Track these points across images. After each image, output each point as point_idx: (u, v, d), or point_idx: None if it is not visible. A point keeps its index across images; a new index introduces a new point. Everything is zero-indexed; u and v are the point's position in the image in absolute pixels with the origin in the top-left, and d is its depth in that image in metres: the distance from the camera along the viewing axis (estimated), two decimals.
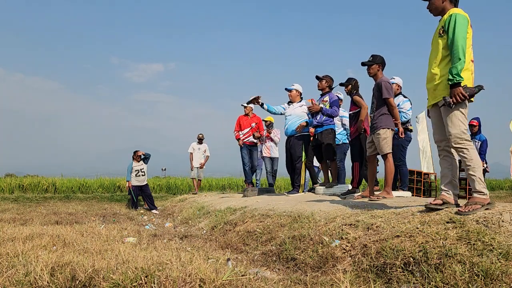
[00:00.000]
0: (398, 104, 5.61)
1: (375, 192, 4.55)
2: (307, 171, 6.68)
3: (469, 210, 2.54)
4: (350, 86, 5.24)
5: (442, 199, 2.84)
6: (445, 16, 2.79)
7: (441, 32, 2.79)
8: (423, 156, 11.60)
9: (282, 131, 6.64)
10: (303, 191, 6.32)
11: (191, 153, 10.19)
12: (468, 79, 2.70)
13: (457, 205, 2.83)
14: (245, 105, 7.48)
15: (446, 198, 2.85)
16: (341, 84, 5.34)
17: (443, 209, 2.78)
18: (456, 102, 2.63)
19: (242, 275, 2.28)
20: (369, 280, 2.27)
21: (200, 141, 10.23)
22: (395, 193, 4.77)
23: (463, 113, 2.68)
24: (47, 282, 2.23)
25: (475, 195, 2.66)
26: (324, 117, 5.71)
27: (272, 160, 8.30)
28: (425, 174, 9.13)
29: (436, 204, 2.79)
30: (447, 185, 2.89)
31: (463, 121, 2.68)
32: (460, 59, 2.62)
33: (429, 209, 2.82)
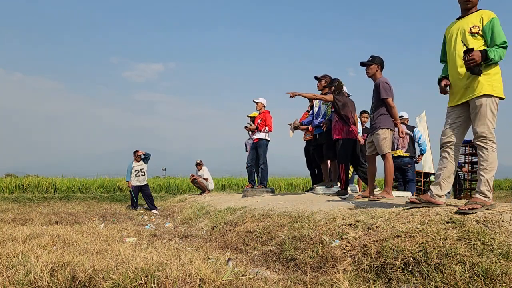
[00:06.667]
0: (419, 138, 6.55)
1: (375, 192, 4.56)
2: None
3: (468, 209, 2.54)
4: (334, 87, 5.31)
5: (419, 198, 2.97)
6: (483, 17, 2.76)
7: (475, 32, 2.77)
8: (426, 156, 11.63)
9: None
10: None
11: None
12: (499, 80, 2.72)
13: (436, 204, 2.90)
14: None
15: (426, 198, 2.93)
16: (324, 87, 5.48)
17: (421, 207, 2.91)
18: (468, 60, 2.63)
19: (242, 275, 2.28)
20: (369, 280, 2.27)
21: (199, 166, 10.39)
22: (395, 193, 4.77)
23: (493, 113, 2.68)
24: (47, 282, 2.23)
25: (477, 195, 2.66)
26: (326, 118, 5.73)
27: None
28: (425, 174, 9.14)
29: (413, 202, 2.94)
30: (434, 185, 2.94)
31: (491, 121, 2.68)
32: (501, 58, 2.66)
33: (408, 204, 3.00)
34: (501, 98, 2.73)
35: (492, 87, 2.68)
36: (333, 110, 5.28)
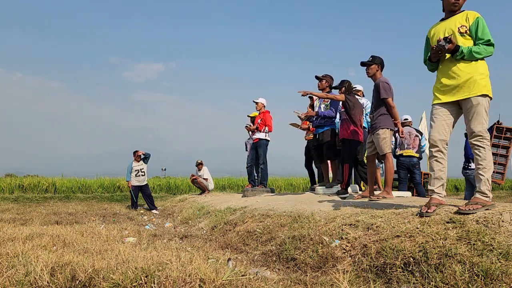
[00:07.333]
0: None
1: (375, 192, 4.56)
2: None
3: (469, 209, 2.54)
4: (344, 88, 5.29)
5: (436, 203, 2.80)
6: (468, 17, 2.81)
7: (463, 32, 2.80)
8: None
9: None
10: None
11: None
12: (489, 81, 2.75)
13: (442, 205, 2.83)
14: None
15: (439, 201, 2.83)
16: (334, 87, 5.45)
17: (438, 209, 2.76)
18: (438, 48, 2.77)
19: (242, 275, 2.28)
20: (369, 280, 2.27)
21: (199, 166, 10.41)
22: (395, 193, 4.78)
23: (487, 113, 2.69)
24: (47, 282, 2.23)
25: (477, 195, 2.65)
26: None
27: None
28: (425, 174, 9.13)
29: (433, 211, 2.72)
30: (439, 188, 2.86)
31: (486, 120, 2.69)
32: (489, 53, 2.72)
33: (423, 216, 2.75)
34: (490, 99, 2.76)
35: (487, 88, 2.71)
36: (343, 110, 5.27)
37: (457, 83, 2.78)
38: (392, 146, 6.92)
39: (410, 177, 6.92)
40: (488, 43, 2.73)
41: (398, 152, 6.81)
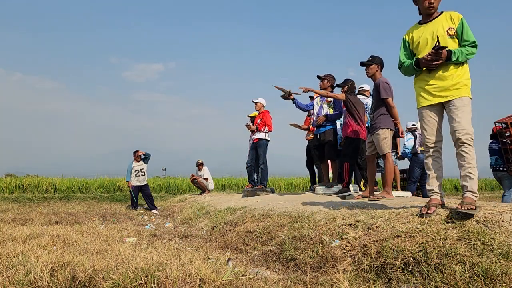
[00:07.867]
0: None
1: (375, 192, 4.56)
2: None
3: (467, 209, 2.51)
4: (347, 87, 5.30)
5: (435, 204, 2.80)
6: (453, 18, 2.80)
7: (452, 34, 2.79)
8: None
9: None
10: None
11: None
12: (469, 85, 2.75)
13: (443, 205, 2.83)
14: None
15: (439, 202, 2.83)
16: (338, 85, 5.44)
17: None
18: (433, 55, 2.70)
19: (242, 275, 2.28)
20: (369, 280, 2.27)
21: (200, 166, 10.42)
22: (395, 193, 4.78)
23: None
24: (47, 282, 2.23)
25: (469, 195, 2.60)
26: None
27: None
28: None
29: (433, 212, 2.72)
30: (438, 187, 2.86)
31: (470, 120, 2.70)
32: (474, 54, 2.71)
33: (423, 217, 2.75)
34: None
35: (470, 92, 2.73)
36: (344, 109, 5.29)
37: (447, 85, 2.76)
38: (409, 145, 6.97)
39: (422, 176, 7.01)
40: (473, 45, 2.73)
41: (420, 148, 6.86)
